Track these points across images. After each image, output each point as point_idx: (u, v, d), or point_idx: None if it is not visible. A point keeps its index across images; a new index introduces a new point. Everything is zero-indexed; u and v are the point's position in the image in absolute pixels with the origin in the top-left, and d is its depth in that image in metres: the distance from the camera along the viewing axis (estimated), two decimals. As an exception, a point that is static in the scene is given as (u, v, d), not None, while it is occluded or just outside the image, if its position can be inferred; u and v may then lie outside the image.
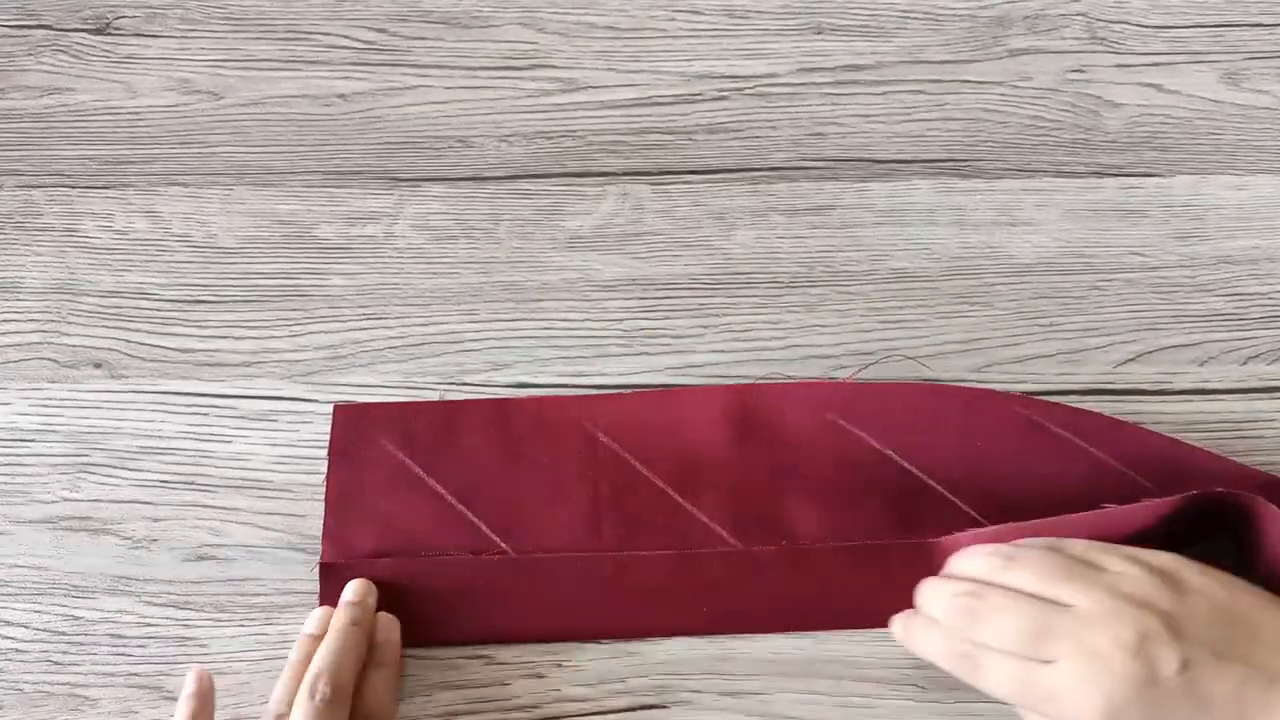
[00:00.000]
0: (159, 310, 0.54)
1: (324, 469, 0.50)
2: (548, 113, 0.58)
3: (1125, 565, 0.42)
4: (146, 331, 0.53)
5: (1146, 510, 0.45)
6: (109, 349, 0.53)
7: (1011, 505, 0.48)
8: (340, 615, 0.46)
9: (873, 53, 0.60)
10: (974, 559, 0.45)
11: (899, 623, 0.46)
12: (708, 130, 0.58)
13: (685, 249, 0.55)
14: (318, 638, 0.46)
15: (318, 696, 0.43)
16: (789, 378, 0.52)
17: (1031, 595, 0.42)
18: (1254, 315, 0.53)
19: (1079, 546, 0.44)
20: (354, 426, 0.50)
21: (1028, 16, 0.60)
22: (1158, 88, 0.59)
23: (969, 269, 0.54)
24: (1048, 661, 0.41)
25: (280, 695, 0.44)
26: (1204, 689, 0.39)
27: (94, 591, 0.48)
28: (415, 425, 0.50)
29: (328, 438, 0.50)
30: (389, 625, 0.47)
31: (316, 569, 0.48)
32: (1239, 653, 0.40)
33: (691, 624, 0.47)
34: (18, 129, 0.58)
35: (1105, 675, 0.40)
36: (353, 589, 0.47)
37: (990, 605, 0.42)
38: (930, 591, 0.45)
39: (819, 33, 0.60)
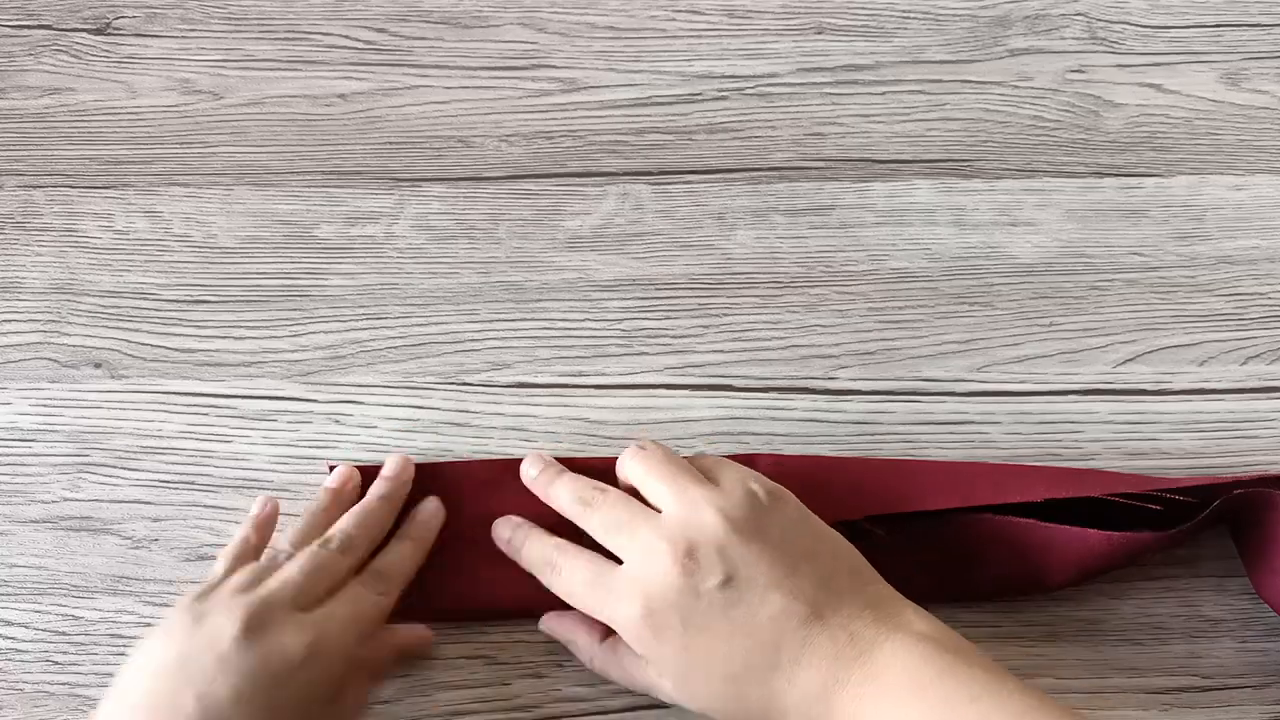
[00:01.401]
0: (159, 310, 0.54)
1: (323, 469, 0.50)
2: (548, 113, 0.58)
3: (733, 484, 0.42)
4: (146, 331, 0.53)
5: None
6: (109, 349, 0.53)
7: None
8: (375, 488, 0.47)
9: (873, 53, 0.60)
10: (622, 454, 0.45)
11: (506, 525, 0.46)
12: (708, 130, 0.58)
13: (685, 249, 0.55)
14: (336, 491, 0.47)
15: (320, 544, 0.44)
16: (789, 377, 0.52)
17: (635, 491, 0.43)
18: (1254, 315, 0.53)
19: (712, 459, 0.44)
20: None
21: (1028, 16, 0.60)
22: (1157, 88, 0.59)
23: (969, 269, 0.54)
24: (621, 563, 0.41)
25: (291, 537, 0.45)
26: (743, 610, 0.39)
27: (94, 591, 0.48)
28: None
29: (328, 438, 0.51)
30: (434, 511, 0.47)
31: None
32: (791, 586, 0.39)
33: None
34: (18, 129, 0.58)
35: (651, 577, 0.40)
36: (391, 464, 0.48)
37: (604, 499, 0.43)
38: (559, 485, 0.45)
39: (819, 33, 0.60)
